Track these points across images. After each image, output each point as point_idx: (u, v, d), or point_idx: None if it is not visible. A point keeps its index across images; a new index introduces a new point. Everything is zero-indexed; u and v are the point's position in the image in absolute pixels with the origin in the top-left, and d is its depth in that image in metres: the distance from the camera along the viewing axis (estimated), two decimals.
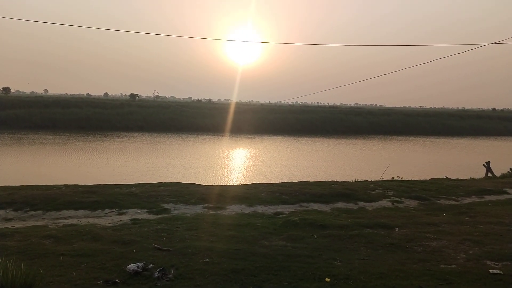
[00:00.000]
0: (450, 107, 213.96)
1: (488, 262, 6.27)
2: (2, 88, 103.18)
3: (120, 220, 8.71)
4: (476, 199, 12.30)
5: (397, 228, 8.29)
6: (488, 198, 12.55)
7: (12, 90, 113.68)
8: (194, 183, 13.99)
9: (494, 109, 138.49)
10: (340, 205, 10.91)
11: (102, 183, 13.42)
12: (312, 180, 16.23)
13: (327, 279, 5.44)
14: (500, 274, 5.76)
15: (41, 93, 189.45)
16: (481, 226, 8.60)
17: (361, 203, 11.15)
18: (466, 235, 7.76)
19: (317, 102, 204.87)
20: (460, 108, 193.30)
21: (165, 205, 10.07)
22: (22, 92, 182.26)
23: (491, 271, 5.86)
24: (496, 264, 6.18)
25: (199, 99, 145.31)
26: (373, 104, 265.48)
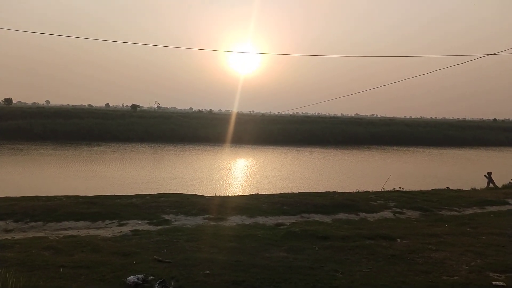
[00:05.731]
0: (451, 118, 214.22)
1: (491, 274, 6.22)
2: (4, 99, 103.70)
3: (121, 231, 8.68)
4: (478, 210, 12.25)
5: (399, 239, 8.25)
6: (490, 209, 12.50)
7: (14, 101, 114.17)
8: (195, 194, 13.97)
9: (495, 119, 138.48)
10: (342, 216, 10.87)
11: (102, 194, 13.41)
12: (313, 190, 16.19)
13: None
14: (503, 286, 5.71)
15: (43, 104, 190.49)
16: (483, 237, 8.55)
17: (362, 214, 11.11)
18: (468, 246, 7.71)
19: (318, 113, 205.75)
20: (460, 118, 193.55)
21: (166, 216, 10.05)
22: (23, 103, 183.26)
23: (494, 283, 5.81)
24: (499, 276, 6.13)
25: (200, 109, 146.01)
26: (373, 114, 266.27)
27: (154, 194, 13.52)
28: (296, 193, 14.45)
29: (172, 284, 5.46)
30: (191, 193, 14.61)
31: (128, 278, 5.51)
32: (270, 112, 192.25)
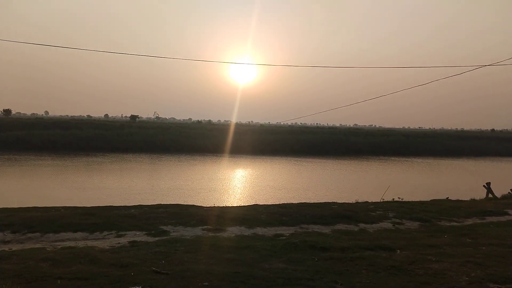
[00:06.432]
0: (449, 128, 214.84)
1: (492, 285, 6.17)
2: (3, 110, 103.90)
3: (119, 243, 8.62)
4: (478, 221, 12.22)
5: (398, 250, 8.20)
6: (489, 219, 12.47)
7: (13, 112, 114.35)
8: (194, 205, 13.93)
9: (493, 129, 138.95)
10: (341, 226, 10.83)
11: (101, 205, 13.36)
12: (312, 201, 16.16)
13: None
14: None
15: (42, 114, 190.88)
16: (483, 247, 8.51)
17: (362, 225, 11.07)
18: (468, 257, 7.67)
19: (316, 123, 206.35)
20: (459, 129, 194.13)
21: (164, 227, 10.00)
22: (23, 114, 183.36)
23: None
24: (500, 287, 6.09)
25: (199, 120, 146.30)
26: (372, 125, 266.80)
27: (153, 205, 13.47)
28: (295, 203, 14.42)
29: None
30: (189, 203, 14.57)
31: None
32: (269, 122, 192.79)
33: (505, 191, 20.18)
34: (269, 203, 15.05)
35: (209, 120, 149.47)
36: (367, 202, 15.51)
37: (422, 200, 16.39)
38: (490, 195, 19.58)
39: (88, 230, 9.58)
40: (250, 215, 11.55)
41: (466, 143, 76.74)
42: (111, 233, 9.46)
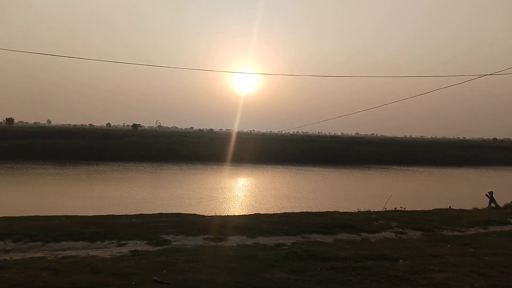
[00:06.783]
0: (451, 137, 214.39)
1: None
2: (6, 118, 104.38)
3: (120, 252, 8.59)
4: (480, 230, 12.15)
5: (401, 260, 8.15)
6: (492, 228, 12.40)
7: (16, 121, 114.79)
8: (195, 214, 13.89)
9: (495, 138, 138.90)
10: (343, 236, 10.77)
11: (102, 214, 13.34)
12: (314, 210, 16.11)
13: None
14: None
15: (44, 123, 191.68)
16: (486, 257, 8.45)
17: (364, 234, 11.01)
18: (472, 267, 7.62)
19: (318, 132, 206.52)
20: (461, 138, 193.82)
21: (165, 236, 9.96)
22: (25, 122, 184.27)
23: None
24: None
25: (201, 129, 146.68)
26: (373, 134, 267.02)
27: (154, 214, 13.44)
28: (296, 212, 14.37)
29: None
30: (191, 213, 14.54)
31: None
32: (271, 131, 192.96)
33: (508, 200, 20.11)
34: (271, 212, 15.02)
35: (211, 129, 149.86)
36: (369, 211, 15.45)
37: (424, 209, 16.32)
38: (492, 204, 19.50)
39: (89, 239, 9.55)
40: (252, 224, 11.51)
41: (468, 152, 76.66)
42: (112, 242, 9.43)
